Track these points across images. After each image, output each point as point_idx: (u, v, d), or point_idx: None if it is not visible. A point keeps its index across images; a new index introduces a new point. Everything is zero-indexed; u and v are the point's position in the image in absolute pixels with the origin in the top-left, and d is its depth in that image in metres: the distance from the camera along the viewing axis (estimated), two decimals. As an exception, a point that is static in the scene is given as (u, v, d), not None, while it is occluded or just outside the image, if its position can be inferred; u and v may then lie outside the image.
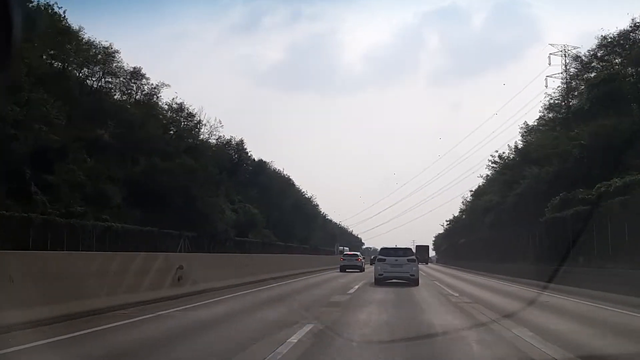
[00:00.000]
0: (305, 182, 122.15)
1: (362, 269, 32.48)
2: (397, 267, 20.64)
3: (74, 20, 34.24)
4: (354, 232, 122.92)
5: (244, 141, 69.13)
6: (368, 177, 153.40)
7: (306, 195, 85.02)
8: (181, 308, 10.47)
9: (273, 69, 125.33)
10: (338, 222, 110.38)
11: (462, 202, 69.69)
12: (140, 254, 12.90)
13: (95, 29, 69.20)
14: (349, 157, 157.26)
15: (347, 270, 31.76)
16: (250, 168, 73.81)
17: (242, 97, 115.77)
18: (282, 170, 74.80)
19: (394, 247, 23.39)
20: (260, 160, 75.03)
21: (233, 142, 70.35)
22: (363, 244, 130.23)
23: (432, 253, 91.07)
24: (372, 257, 47.11)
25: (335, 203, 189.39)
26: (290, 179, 79.45)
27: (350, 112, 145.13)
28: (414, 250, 26.06)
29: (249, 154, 71.92)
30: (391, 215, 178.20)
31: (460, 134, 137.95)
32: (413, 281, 19.60)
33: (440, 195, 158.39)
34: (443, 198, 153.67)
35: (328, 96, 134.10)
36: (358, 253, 43.91)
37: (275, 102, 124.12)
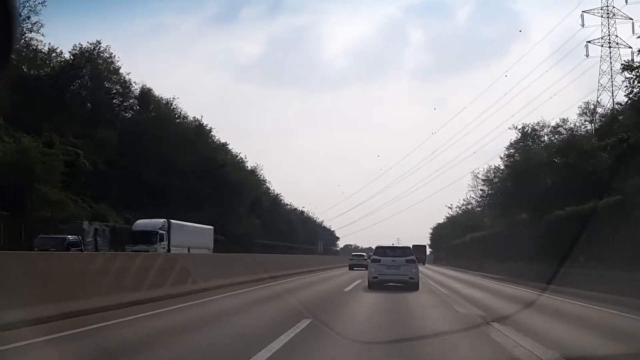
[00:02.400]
0: (287, 179, 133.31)
1: (367, 267, 38.03)
2: (394, 268, 19.44)
3: None
4: (326, 225, 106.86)
5: (107, 47, 44.97)
6: (351, 173, 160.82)
7: (244, 164, 65.64)
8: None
9: (253, 63, 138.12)
10: (301, 209, 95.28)
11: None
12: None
13: (68, 19, 63.95)
14: (331, 153, 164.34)
15: (354, 268, 40.91)
16: (121, 99, 47.64)
17: (220, 92, 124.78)
18: (199, 118, 53.77)
19: (391, 245, 22.24)
20: (146, 90, 48.88)
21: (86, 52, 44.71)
22: (337, 238, 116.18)
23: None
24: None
25: (318, 201, 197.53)
26: (203, 127, 54.29)
27: (333, 108, 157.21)
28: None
29: (125, 79, 47.64)
30: (375, 210, 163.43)
31: (447, 128, 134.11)
32: (412, 285, 19.30)
33: (429, 189, 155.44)
34: (432, 192, 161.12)
35: (310, 91, 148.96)
36: (364, 254, 48.94)
37: (255, 97, 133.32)
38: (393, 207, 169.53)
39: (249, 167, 68.50)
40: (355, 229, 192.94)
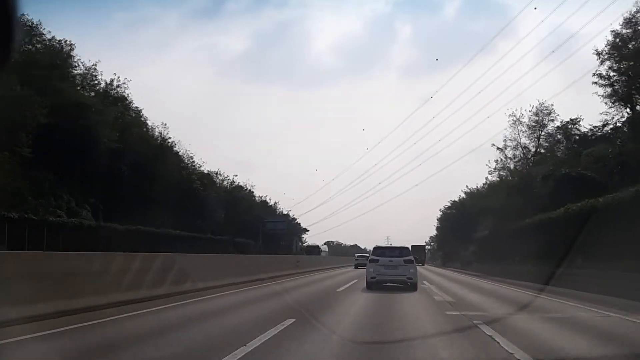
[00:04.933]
0: (271, 175, 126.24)
1: None
2: (392, 269, 19.37)
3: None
4: (285, 211, 76.95)
5: None
6: (337, 170, 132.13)
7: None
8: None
9: (237, 58, 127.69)
10: (231, 178, 61.90)
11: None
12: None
13: (40, 12, 45.13)
14: (318, 149, 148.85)
15: (358, 267, 46.22)
16: None
17: (204, 87, 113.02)
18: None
19: (389, 245, 24.22)
20: None
21: None
22: (305, 230, 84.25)
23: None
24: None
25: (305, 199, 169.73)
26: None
27: (319, 104, 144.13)
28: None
29: None
30: (359, 199, 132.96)
31: (435, 125, 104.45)
32: (410, 285, 19.32)
33: (420, 186, 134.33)
34: (423, 178, 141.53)
35: (295, 88, 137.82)
36: (367, 255, 53.30)
37: (239, 93, 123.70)
38: (380, 197, 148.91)
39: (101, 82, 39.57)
40: (338, 223, 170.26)
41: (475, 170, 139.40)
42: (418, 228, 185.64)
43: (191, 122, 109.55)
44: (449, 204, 75.31)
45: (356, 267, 49.44)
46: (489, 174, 52.43)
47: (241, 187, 64.84)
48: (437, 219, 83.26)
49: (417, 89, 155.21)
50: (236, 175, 66.37)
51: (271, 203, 77.03)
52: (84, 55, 40.82)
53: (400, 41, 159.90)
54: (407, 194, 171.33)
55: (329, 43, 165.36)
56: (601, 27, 45.67)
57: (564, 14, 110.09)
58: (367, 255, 53.62)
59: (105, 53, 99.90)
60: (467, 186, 68.07)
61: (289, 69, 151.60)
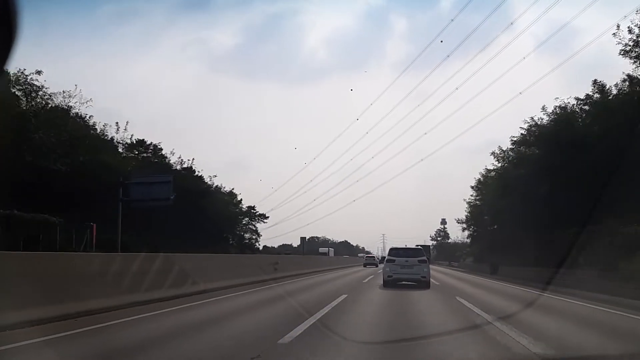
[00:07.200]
0: (263, 174, 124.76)
1: (377, 265, 58.11)
2: (408, 268, 21.27)
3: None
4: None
5: None
6: (332, 170, 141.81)
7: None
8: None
9: (228, 53, 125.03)
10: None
11: None
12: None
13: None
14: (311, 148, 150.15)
15: (366, 265, 60.95)
16: None
17: (194, 85, 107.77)
18: None
19: (404, 247, 26.05)
20: None
21: None
22: (263, 217, 63.95)
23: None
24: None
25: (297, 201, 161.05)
26: None
27: (312, 100, 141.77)
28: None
29: None
30: (347, 193, 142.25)
31: (431, 124, 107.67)
32: (424, 283, 21.22)
33: (416, 185, 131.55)
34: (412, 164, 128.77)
35: (288, 84, 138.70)
36: (373, 255, 79.80)
37: (229, 89, 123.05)
38: (371, 181, 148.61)
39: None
40: (323, 215, 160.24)
41: (474, 167, 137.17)
42: (416, 226, 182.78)
43: (181, 118, 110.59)
44: (518, 136, 39.19)
45: (365, 265, 61.44)
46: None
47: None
48: (475, 186, 55.63)
49: (411, 81, 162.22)
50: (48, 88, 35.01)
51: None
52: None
53: (395, 35, 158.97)
54: (404, 191, 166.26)
55: (322, 37, 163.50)
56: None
57: (563, 7, 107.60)
58: (373, 255, 72.86)
59: (86, 44, 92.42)
60: (542, 109, 36.45)
61: (281, 63, 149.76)
